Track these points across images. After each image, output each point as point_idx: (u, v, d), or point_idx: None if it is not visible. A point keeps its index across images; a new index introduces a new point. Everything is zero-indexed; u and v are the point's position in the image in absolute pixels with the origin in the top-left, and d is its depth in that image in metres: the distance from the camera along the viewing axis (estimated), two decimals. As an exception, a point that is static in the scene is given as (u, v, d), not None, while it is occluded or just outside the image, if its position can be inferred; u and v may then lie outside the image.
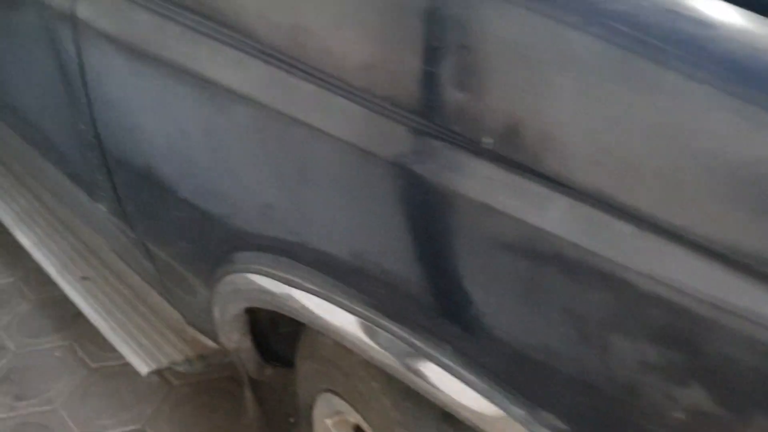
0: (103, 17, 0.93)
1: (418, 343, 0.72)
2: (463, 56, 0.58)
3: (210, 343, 1.40)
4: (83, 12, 0.95)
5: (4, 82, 1.37)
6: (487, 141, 0.57)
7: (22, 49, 1.20)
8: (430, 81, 0.62)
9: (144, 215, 1.08)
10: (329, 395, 1.01)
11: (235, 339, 1.09)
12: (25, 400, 1.67)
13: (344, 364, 0.92)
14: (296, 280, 0.84)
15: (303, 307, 0.84)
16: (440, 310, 0.69)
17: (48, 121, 1.24)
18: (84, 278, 1.59)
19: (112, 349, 1.78)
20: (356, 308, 0.78)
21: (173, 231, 1.04)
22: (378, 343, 0.77)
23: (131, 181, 1.05)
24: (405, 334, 0.74)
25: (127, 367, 1.73)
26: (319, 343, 0.99)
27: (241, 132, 0.82)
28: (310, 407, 1.11)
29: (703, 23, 0.50)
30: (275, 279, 0.87)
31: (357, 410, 0.96)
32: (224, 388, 1.68)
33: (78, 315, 1.88)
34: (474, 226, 0.62)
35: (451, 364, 0.69)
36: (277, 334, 1.17)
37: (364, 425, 0.98)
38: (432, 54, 0.61)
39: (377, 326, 0.76)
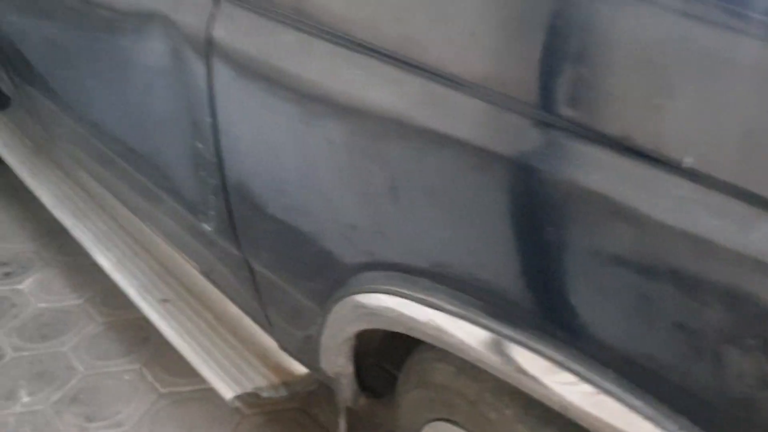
0: (243, 37, 0.95)
1: (568, 362, 0.71)
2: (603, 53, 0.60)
3: (296, 369, 1.40)
4: (220, 32, 0.98)
5: (102, 96, 1.40)
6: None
7: (131, 65, 1.22)
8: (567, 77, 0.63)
9: (258, 236, 1.09)
10: (442, 424, 1.00)
11: (340, 364, 1.08)
12: (96, 421, 1.67)
13: (469, 390, 0.91)
14: (425, 298, 0.84)
15: (435, 326, 0.83)
16: (597, 327, 0.68)
17: (155, 139, 1.26)
18: (164, 300, 1.60)
19: (182, 374, 1.79)
20: (492, 324, 0.77)
21: (290, 252, 1.04)
22: (517, 362, 0.76)
23: (249, 202, 1.06)
24: (551, 352, 0.72)
25: (197, 393, 1.74)
26: (433, 369, 0.98)
27: (374, 151, 0.83)
28: (414, 437, 1.10)
29: None
30: (403, 298, 0.86)
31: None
32: (296, 419, 1.66)
33: (146, 339, 1.90)
34: (613, 225, 0.62)
35: (612, 387, 0.68)
36: (374, 363, 1.16)
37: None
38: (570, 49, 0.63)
39: (516, 342, 0.75)
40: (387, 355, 1.15)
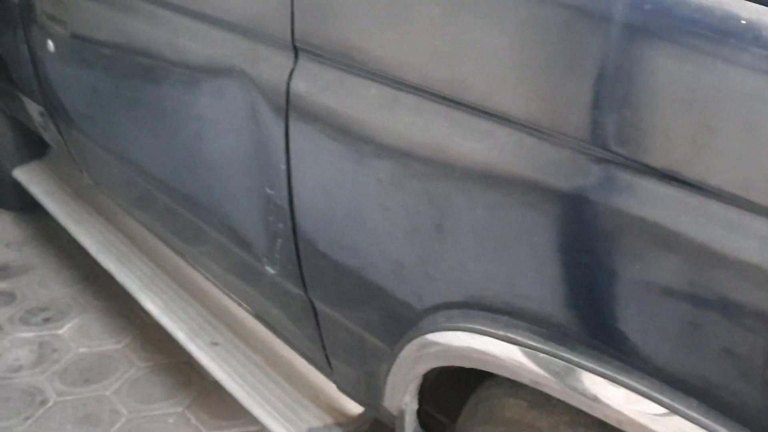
0: (323, 91, 1.01)
1: (652, 392, 0.75)
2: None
3: (349, 409, 1.43)
4: (298, 86, 1.04)
5: (160, 144, 1.46)
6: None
7: (198, 115, 1.28)
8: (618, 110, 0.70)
9: (327, 278, 1.13)
10: (511, 459, 1.03)
11: (405, 401, 1.12)
12: (143, 464, 1.69)
13: (542, 423, 0.94)
14: (504, 333, 0.88)
15: (513, 361, 0.87)
16: (675, 356, 0.73)
17: (219, 185, 1.31)
18: (213, 343, 1.63)
19: (225, 417, 1.82)
20: (570, 356, 0.81)
21: (360, 294, 1.09)
22: (598, 393, 0.80)
23: (320, 245, 1.11)
24: (631, 382, 0.77)
25: (241, 436, 1.77)
26: (503, 404, 1.02)
27: (449, 196, 0.89)
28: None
29: None
30: (481, 334, 0.90)
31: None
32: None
33: (188, 383, 1.93)
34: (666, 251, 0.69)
35: (698, 416, 0.72)
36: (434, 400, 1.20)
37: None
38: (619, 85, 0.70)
39: (596, 374, 0.80)
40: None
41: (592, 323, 0.79)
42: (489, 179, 0.83)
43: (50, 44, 1.75)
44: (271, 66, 1.08)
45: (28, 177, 2.44)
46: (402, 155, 0.93)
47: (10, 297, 2.28)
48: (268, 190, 1.16)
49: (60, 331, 2.12)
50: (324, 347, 1.28)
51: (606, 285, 0.76)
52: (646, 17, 0.69)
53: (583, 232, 0.77)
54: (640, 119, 0.70)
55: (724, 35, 0.63)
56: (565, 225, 0.78)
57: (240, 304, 1.58)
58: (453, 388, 1.18)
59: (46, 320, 2.17)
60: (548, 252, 0.80)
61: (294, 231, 1.14)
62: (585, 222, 0.76)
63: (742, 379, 0.68)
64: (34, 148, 2.54)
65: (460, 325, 0.93)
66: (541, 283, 0.83)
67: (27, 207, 2.67)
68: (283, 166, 1.10)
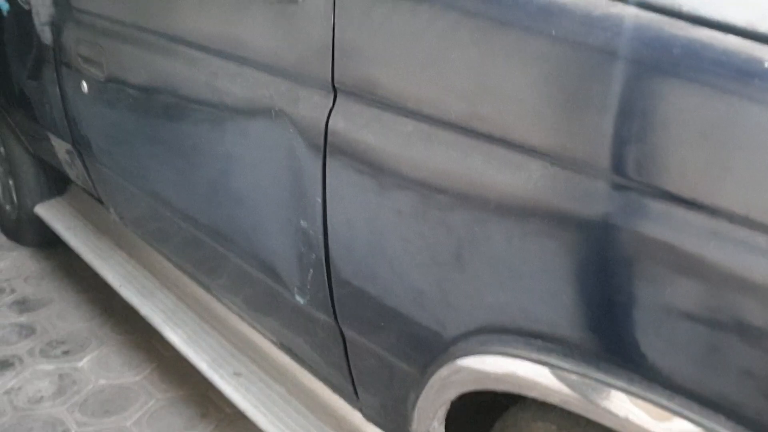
0: (361, 128, 1.07)
1: (683, 410, 0.80)
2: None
3: (375, 438, 1.47)
4: (337, 124, 1.11)
5: (191, 178, 1.53)
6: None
7: (231, 150, 1.35)
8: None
9: (358, 306, 1.19)
10: (538, 481, 1.07)
11: (434, 427, 1.16)
12: (164, 494, 1.72)
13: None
14: (537, 357, 0.93)
15: (545, 383, 0.92)
16: (703, 375, 0.78)
17: (250, 217, 1.37)
18: (236, 374, 1.68)
19: (245, 449, 1.84)
20: (602, 377, 0.86)
21: (391, 321, 1.14)
22: (630, 412, 0.85)
23: (353, 276, 1.16)
24: (665, 401, 0.81)
25: (261, 467, 1.79)
26: (530, 428, 1.06)
27: (484, 228, 0.95)
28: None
29: None
30: (514, 358, 0.95)
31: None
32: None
33: (206, 414, 1.96)
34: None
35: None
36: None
37: None
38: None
39: (628, 393, 0.85)
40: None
41: (620, 344, 0.84)
42: (523, 209, 0.90)
43: (84, 85, 1.82)
44: (310, 105, 1.15)
45: (50, 213, 2.50)
46: (437, 189, 0.99)
47: (29, 330, 2.32)
48: (302, 223, 1.22)
49: (79, 364, 2.16)
50: (351, 375, 1.32)
51: (631, 306, 0.82)
52: (676, 60, 0.76)
53: (608, 255, 0.83)
54: (661, 147, 0.77)
55: (748, 76, 0.70)
56: (591, 249, 0.85)
57: (264, 335, 1.62)
58: (477, 414, 1.22)
59: (66, 353, 2.21)
60: (577, 276, 0.86)
61: (327, 262, 1.20)
62: (609, 246, 0.82)
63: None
64: (55, 185, 2.61)
65: (493, 349, 0.98)
66: (570, 307, 0.88)
67: (45, 243, 2.73)
68: (319, 200, 1.16)
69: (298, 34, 1.15)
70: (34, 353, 2.21)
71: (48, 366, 2.15)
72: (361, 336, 1.23)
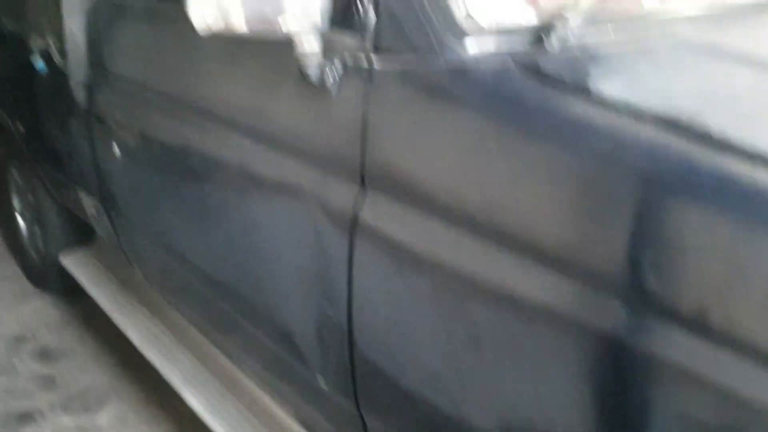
0: (389, 221, 1.08)
1: None
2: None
3: None
4: (367, 215, 1.11)
5: (221, 248, 1.54)
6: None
7: (262, 226, 1.36)
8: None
9: (381, 396, 1.18)
10: None
11: None
12: None
13: None
14: None
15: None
16: None
17: (275, 296, 1.37)
18: (255, 443, 1.67)
19: None
20: None
21: (415, 414, 1.13)
22: None
23: (378, 367, 1.16)
24: None
25: None
26: None
27: (510, 329, 0.95)
28: None
29: None
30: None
31: None
32: None
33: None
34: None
35: None
36: None
37: None
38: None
39: None
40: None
41: None
42: (541, 316, 0.90)
43: (115, 147, 1.85)
44: (339, 193, 1.16)
45: (75, 264, 2.52)
46: (463, 287, 0.99)
47: (50, 381, 2.34)
48: (327, 308, 1.22)
49: (98, 420, 2.16)
50: (371, 460, 1.31)
51: (634, 417, 0.83)
52: (701, 188, 0.76)
53: (620, 371, 0.83)
54: (671, 266, 0.77)
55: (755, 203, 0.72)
56: (603, 363, 0.85)
57: (282, 407, 1.62)
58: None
59: (86, 408, 2.21)
60: (591, 387, 0.87)
61: (350, 348, 1.20)
62: (617, 359, 0.83)
63: None
64: (81, 234, 2.64)
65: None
66: (586, 418, 0.88)
67: (68, 290, 2.75)
68: (344, 286, 1.16)
69: (330, 122, 1.17)
70: (54, 407, 2.22)
71: (68, 421, 2.16)
72: (384, 425, 1.22)
